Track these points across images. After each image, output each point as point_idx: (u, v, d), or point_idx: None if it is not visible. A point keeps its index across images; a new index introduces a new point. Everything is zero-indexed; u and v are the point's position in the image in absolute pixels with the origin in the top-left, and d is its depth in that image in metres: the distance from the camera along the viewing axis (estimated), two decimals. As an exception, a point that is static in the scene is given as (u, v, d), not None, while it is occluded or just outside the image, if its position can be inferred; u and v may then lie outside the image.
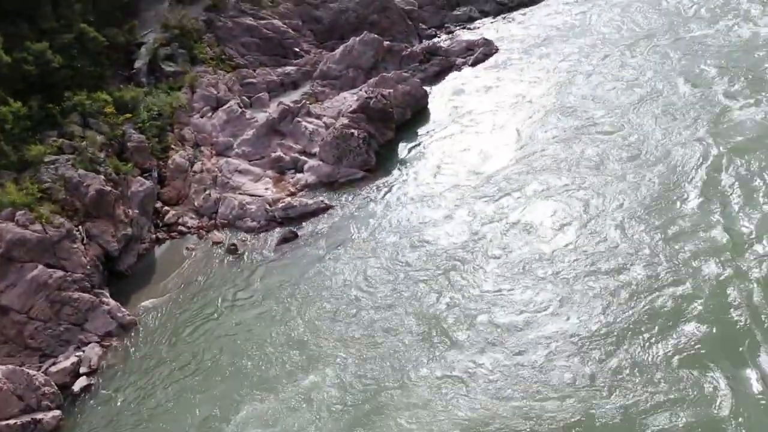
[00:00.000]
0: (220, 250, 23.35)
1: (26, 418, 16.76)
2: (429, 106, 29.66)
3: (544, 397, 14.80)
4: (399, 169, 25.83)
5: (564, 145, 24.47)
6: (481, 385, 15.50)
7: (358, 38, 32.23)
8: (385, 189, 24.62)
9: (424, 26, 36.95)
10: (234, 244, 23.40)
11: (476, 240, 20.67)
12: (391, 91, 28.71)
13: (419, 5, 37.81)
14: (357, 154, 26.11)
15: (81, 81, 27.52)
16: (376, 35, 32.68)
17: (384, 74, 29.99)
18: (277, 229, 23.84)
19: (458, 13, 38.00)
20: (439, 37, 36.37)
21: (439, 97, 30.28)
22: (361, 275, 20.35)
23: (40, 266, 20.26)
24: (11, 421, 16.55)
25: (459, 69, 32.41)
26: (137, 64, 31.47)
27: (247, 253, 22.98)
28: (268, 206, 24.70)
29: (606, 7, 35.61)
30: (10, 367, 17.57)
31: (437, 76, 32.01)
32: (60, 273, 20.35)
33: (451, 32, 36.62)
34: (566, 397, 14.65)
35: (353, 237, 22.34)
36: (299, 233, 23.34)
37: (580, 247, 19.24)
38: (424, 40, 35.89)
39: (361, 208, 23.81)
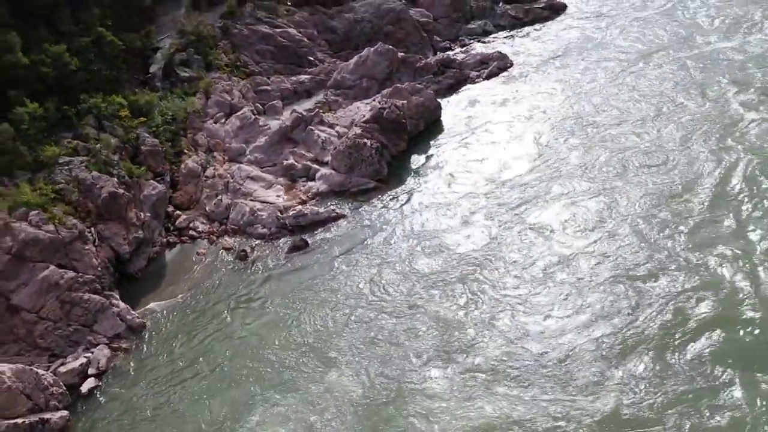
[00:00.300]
0: (230, 256, 23.36)
1: (34, 418, 16.75)
2: (442, 117, 29.72)
3: (568, 397, 14.81)
4: (412, 178, 25.87)
5: (582, 153, 24.62)
6: (504, 385, 15.55)
7: (372, 48, 32.37)
8: (398, 198, 24.67)
9: (438, 39, 37.09)
10: (244, 250, 23.40)
11: (495, 245, 20.71)
12: (405, 102, 28.79)
13: (434, 18, 37.98)
14: (369, 164, 26.15)
15: (97, 84, 27.69)
16: (390, 46, 32.82)
17: (398, 85, 30.09)
18: (288, 237, 23.85)
19: (473, 26, 38.15)
20: (453, 49, 36.49)
21: (452, 108, 30.36)
22: (375, 281, 20.32)
23: (52, 266, 20.32)
24: (19, 420, 16.53)
25: (473, 82, 32.48)
26: (153, 69, 31.69)
27: (257, 260, 22.98)
28: (279, 213, 24.73)
29: (623, 21, 35.84)
30: (20, 366, 17.57)
31: (451, 89, 32.09)
32: (71, 274, 20.40)
33: (466, 45, 36.75)
34: (591, 397, 14.68)
35: (366, 245, 22.34)
36: (310, 241, 23.33)
37: (600, 251, 19.36)
38: (438, 53, 36.02)
39: (373, 217, 23.83)
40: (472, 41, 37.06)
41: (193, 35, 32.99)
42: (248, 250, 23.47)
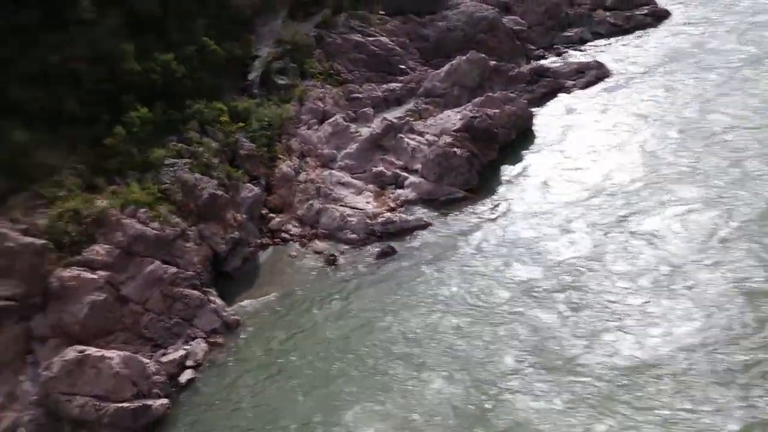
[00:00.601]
0: (320, 260, 23.82)
1: (138, 404, 17.72)
2: (535, 127, 29.07)
3: (688, 414, 13.98)
4: (503, 188, 25.40)
5: (692, 161, 23.13)
6: (613, 398, 14.80)
7: (464, 57, 32.19)
8: (489, 208, 24.27)
9: (532, 47, 36.38)
10: (333, 255, 23.81)
11: (598, 254, 19.82)
12: (497, 111, 28.42)
13: (528, 25, 37.31)
14: (459, 173, 25.96)
15: (201, 91, 29.16)
16: (482, 54, 32.51)
17: (489, 94, 29.71)
18: (376, 243, 24.04)
19: (569, 34, 37.13)
20: (548, 58, 35.65)
21: (546, 118, 29.62)
22: (467, 288, 20.00)
23: (157, 262, 21.50)
24: (125, 405, 17.54)
25: (568, 91, 31.57)
26: (251, 77, 33.05)
27: (346, 265, 23.31)
28: (368, 220, 24.99)
29: (734, 26, 33.66)
30: (127, 353, 18.68)
31: (544, 98, 31.34)
32: (174, 269, 21.50)
33: (561, 53, 35.81)
34: (713, 416, 13.79)
35: (456, 252, 22.09)
36: (398, 248, 23.40)
37: (715, 261, 18.11)
38: (532, 61, 35.30)
39: (462, 226, 23.58)
40: (567, 49, 36.05)
41: (290, 44, 34.12)
42: (337, 255, 23.85)
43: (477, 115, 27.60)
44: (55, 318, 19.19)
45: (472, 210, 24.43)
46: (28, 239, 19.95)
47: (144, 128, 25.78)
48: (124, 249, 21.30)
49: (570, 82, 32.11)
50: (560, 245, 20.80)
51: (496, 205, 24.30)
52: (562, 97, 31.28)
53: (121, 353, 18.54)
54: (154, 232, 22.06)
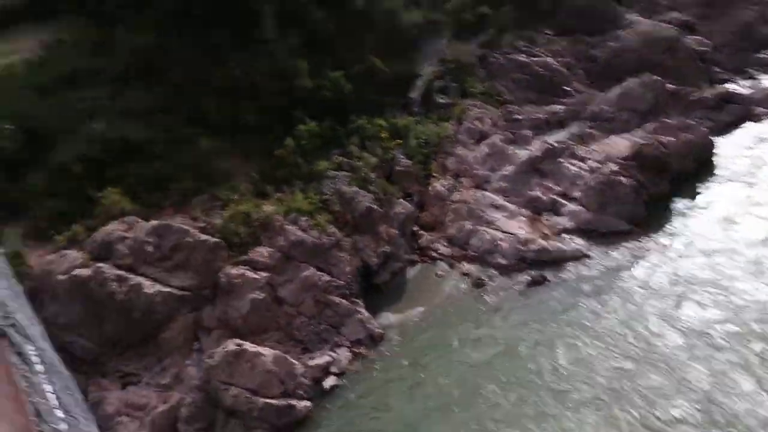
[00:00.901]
0: (467, 282, 23.48)
1: (283, 402, 18.63)
2: (717, 158, 26.31)
3: None
4: (675, 223, 23.27)
5: None
6: None
7: (637, 79, 30.15)
8: (658, 243, 22.36)
9: (718, 69, 33.09)
10: (481, 279, 23.33)
11: None
12: (672, 138, 26.17)
13: (714, 46, 34.03)
14: (624, 204, 24.22)
15: (365, 107, 30.30)
16: (658, 77, 30.18)
17: (664, 120, 27.48)
18: (527, 270, 23.16)
19: (764, 56, 33.20)
20: (735, 82, 32.16)
21: (731, 148, 26.72)
22: (630, 328, 18.50)
23: (312, 268, 22.55)
24: (272, 401, 18.53)
25: (758, 119, 28.22)
26: (412, 94, 33.75)
27: (493, 289, 22.72)
28: (520, 245, 24.19)
29: None
30: (278, 353, 19.77)
31: (730, 126, 28.34)
32: (327, 277, 22.42)
33: (753, 78, 32.10)
34: None
35: (616, 288, 20.58)
36: (550, 278, 22.34)
37: None
38: (716, 85, 32.07)
39: (625, 261, 21.92)
40: (761, 73, 32.28)
41: (453, 63, 34.38)
42: (485, 279, 23.34)
43: (648, 142, 25.62)
44: (221, 311, 20.88)
45: (637, 244, 22.62)
46: (205, 236, 21.98)
47: (311, 141, 27.36)
48: (285, 253, 22.64)
49: (762, 110, 28.61)
50: (748, 288, 18.48)
51: (666, 241, 22.27)
52: (750, 126, 28.02)
53: (273, 352, 19.66)
54: (312, 239, 23.19)
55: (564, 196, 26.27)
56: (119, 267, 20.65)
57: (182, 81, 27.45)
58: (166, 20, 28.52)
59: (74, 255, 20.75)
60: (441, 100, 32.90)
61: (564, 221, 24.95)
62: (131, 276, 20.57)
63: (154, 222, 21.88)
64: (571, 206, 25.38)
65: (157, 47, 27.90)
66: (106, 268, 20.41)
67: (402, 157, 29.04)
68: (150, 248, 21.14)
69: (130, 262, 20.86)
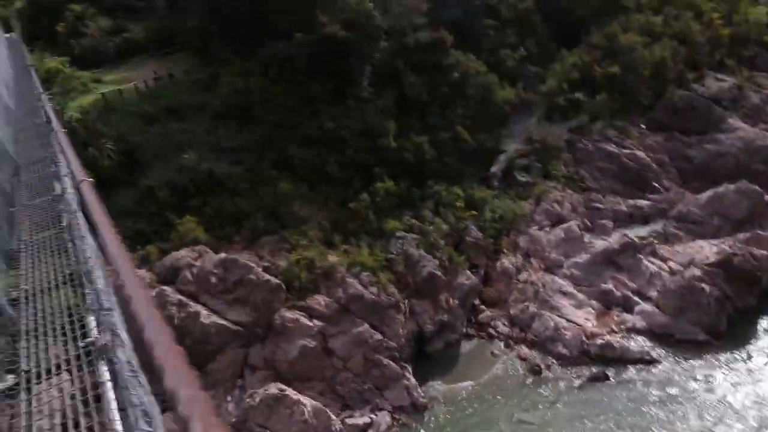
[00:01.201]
0: (523, 366, 22.40)
1: (315, 457, 18.09)
2: (814, 279, 24.22)
3: None
4: (760, 342, 21.41)
5: None
6: None
7: (733, 185, 28.65)
8: (738, 359, 20.67)
9: (823, 187, 30.93)
10: (539, 366, 22.21)
11: None
12: (765, 252, 24.41)
13: (822, 162, 32.00)
14: (704, 313, 22.60)
15: (444, 174, 30.51)
16: (756, 187, 28.58)
17: (759, 232, 25.81)
18: (589, 365, 21.84)
19: None
20: None
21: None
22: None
23: (366, 324, 22.32)
24: (303, 455, 18.04)
25: None
26: (493, 169, 33.67)
27: (550, 379, 21.52)
28: (584, 338, 22.95)
29: None
30: (319, 405, 19.42)
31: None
32: (379, 336, 22.08)
33: None
34: None
35: (690, 399, 19.05)
36: (612, 376, 20.92)
37: None
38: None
39: (702, 372, 20.32)
40: None
41: (539, 143, 34.14)
42: (542, 367, 22.19)
43: (739, 252, 24.03)
44: (270, 352, 20.91)
45: (714, 357, 20.93)
46: (268, 276, 22.34)
47: (386, 199, 27.66)
48: (342, 305, 22.58)
49: None
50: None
51: (748, 358, 20.47)
52: None
53: (314, 403, 19.32)
54: (371, 296, 23.04)
55: (638, 293, 24.89)
56: (182, 292, 21.27)
57: (275, 125, 28.83)
58: (269, 68, 30.27)
59: (143, 274, 21.58)
60: (522, 178, 32.58)
61: (635, 320, 23.53)
62: (191, 303, 21.10)
63: (222, 255, 22.53)
64: (645, 306, 23.96)
65: (257, 91, 29.58)
66: (169, 291, 21.07)
67: (474, 228, 28.73)
68: (214, 279, 21.69)
69: (193, 290, 21.45)
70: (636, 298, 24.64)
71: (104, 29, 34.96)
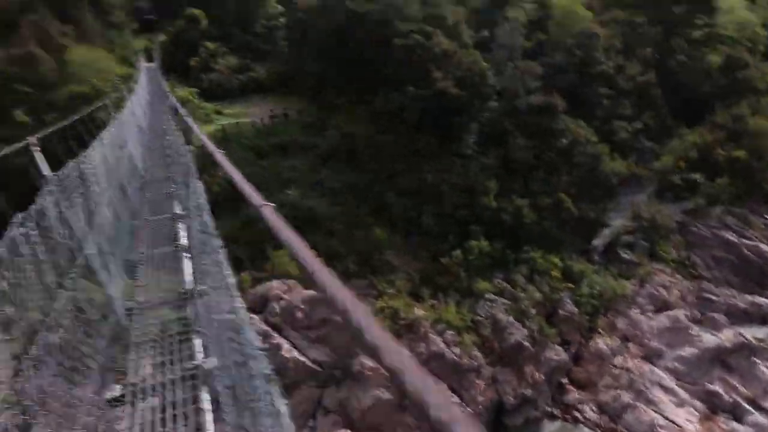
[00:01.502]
0: (610, 461, 20.45)
1: None
2: None
3: None
4: None
5: None
6: None
7: None
8: None
9: None
10: (628, 462, 20.18)
11: None
12: None
13: None
14: (832, 435, 19.78)
15: (541, 240, 29.37)
16: None
17: None
18: (687, 473, 19.57)
19: None
20: None
21: None
22: None
23: (444, 385, 21.33)
24: None
25: None
26: (596, 242, 32.11)
27: (640, 481, 19.43)
28: (684, 440, 20.70)
29: None
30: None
31: None
32: (456, 399, 21.00)
33: None
34: None
35: None
36: (715, 493, 18.56)
37: None
38: None
39: None
40: None
41: (647, 222, 32.28)
42: (633, 465, 20.16)
43: None
44: (344, 397, 20.42)
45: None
46: (352, 320, 22.07)
47: (479, 258, 26.94)
48: (422, 361, 21.77)
49: None
50: None
51: None
52: None
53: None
54: (453, 356, 22.17)
55: (752, 402, 22.30)
56: (267, 323, 21.42)
57: (377, 172, 29.17)
58: (380, 116, 30.94)
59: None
60: (625, 256, 30.76)
61: (745, 431, 20.98)
62: (275, 335, 21.17)
63: (311, 291, 22.60)
64: (760, 417, 21.38)
65: (364, 137, 30.21)
66: (255, 320, 21.27)
67: (569, 301, 27.20)
68: (300, 314, 21.74)
69: (278, 322, 21.56)
70: (748, 407, 22.07)
71: (232, 67, 37.40)
